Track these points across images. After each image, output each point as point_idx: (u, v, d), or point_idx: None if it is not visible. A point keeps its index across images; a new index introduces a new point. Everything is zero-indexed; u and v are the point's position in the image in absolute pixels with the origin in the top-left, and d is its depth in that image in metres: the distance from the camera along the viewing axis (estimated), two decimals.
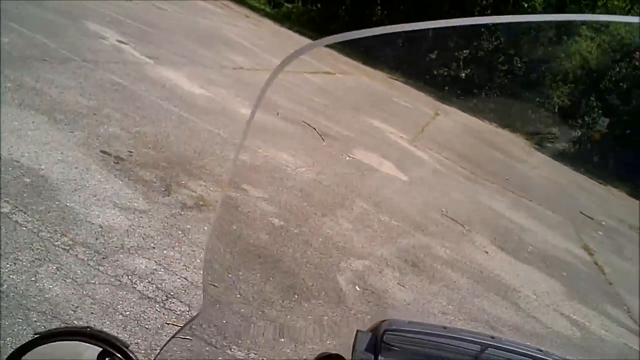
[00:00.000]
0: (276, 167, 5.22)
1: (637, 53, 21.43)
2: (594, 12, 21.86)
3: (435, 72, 19.34)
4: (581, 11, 21.77)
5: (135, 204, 3.50)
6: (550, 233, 7.55)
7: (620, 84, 20.63)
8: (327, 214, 4.63)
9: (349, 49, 17.73)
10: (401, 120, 11.07)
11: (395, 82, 17.23)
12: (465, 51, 19.90)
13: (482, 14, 21.71)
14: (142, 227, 3.29)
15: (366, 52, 18.07)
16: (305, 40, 13.79)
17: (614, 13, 22.12)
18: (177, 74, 6.79)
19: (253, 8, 20.80)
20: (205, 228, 3.63)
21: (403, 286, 3.90)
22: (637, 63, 21.53)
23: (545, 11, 21.21)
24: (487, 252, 5.54)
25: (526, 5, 21.16)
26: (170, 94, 5.96)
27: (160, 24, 9.57)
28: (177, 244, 3.29)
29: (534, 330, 4.35)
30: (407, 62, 18.96)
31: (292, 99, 8.35)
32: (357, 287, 3.59)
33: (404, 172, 7.05)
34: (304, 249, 3.81)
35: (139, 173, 3.91)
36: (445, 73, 19.69)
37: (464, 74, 19.73)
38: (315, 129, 7.08)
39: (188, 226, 3.52)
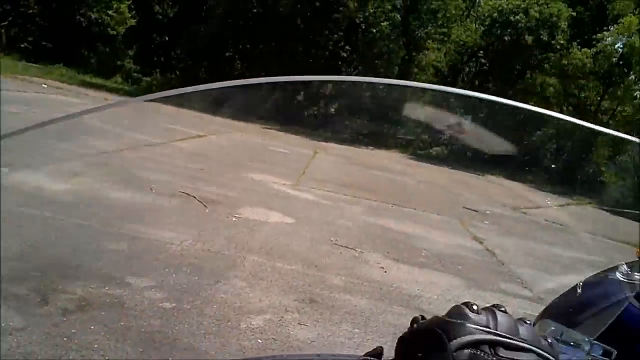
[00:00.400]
0: (160, 248, 5.05)
1: (481, 52, 23.88)
2: (435, 23, 23.84)
3: (306, 113, 20.07)
4: (424, 24, 23.77)
5: (11, 323, 3.28)
6: (440, 234, 8.01)
7: (474, 81, 22.65)
8: (220, 279, 4.60)
9: (217, 108, 17.86)
10: (282, 167, 11.30)
11: (270, 132, 17.59)
12: (329, 85, 20.85)
13: (336, 46, 23.03)
14: (23, 345, 3.09)
15: (235, 108, 18.31)
16: (169, 109, 13.64)
17: (453, 21, 24.43)
18: (37, 175, 6.49)
19: (111, 89, 20.47)
20: (92, 327, 3.48)
21: (304, 325, 3.97)
22: (482, 60, 23.94)
23: (392, 32, 22.88)
24: (382, 268, 5.77)
25: (375, 30, 22.77)
26: (31, 198, 5.66)
27: (12, 128, 9.07)
28: (64, 352, 3.12)
29: None
30: (278, 109, 19.48)
31: (164, 170, 8.26)
32: (259, 340, 3.60)
33: (290, 216, 7.19)
34: (200, 320, 3.76)
35: (8, 290, 3.67)
36: (316, 112, 20.48)
37: (332, 109, 20.64)
38: (195, 197, 7.02)
39: (73, 330, 3.36)
